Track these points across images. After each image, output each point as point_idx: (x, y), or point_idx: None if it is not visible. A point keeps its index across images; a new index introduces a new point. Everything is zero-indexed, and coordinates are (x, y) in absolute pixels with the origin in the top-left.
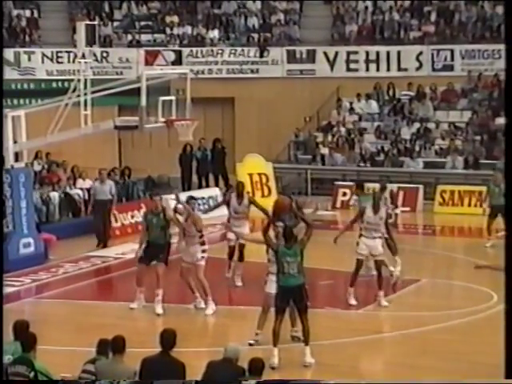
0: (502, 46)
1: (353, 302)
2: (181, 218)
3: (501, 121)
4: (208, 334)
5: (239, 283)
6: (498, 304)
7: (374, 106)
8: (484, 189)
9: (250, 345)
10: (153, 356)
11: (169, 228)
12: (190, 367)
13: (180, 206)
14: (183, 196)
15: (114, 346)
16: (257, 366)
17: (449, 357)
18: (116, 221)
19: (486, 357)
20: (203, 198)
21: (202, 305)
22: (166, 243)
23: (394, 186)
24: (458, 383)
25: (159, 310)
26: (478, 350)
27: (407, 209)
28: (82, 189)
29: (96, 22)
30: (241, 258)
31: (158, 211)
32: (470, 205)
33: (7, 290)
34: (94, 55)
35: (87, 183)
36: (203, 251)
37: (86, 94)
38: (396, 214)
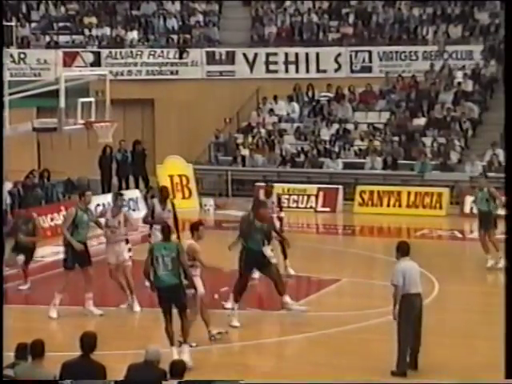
0: (418, 48)
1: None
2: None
3: (418, 121)
4: (131, 337)
5: None
6: None
7: (293, 107)
8: (403, 189)
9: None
10: (73, 359)
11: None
12: (112, 370)
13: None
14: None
15: (32, 351)
16: (178, 368)
17: (369, 356)
18: (44, 222)
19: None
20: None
21: (137, 305)
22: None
23: (314, 187)
24: (457, 383)
25: (97, 311)
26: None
27: (327, 209)
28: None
29: (13, 23)
30: None
31: (87, 207)
32: (388, 205)
33: None
34: (11, 56)
35: (8, 186)
36: (129, 250)
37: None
38: (281, 218)
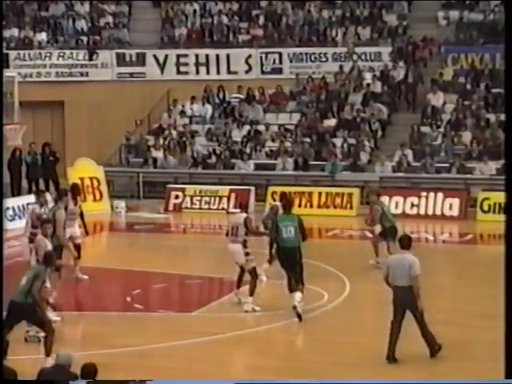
0: (328, 49)
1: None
2: None
3: (329, 122)
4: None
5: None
6: (329, 303)
7: (204, 108)
8: (314, 189)
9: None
10: None
11: None
12: (23, 375)
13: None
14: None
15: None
16: (89, 371)
17: (285, 356)
18: None
19: (320, 355)
20: (34, 203)
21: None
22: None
23: (226, 188)
24: (457, 383)
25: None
26: (313, 349)
27: (239, 211)
28: None
29: None
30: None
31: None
32: (300, 205)
33: None
34: None
35: None
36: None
37: None
38: None
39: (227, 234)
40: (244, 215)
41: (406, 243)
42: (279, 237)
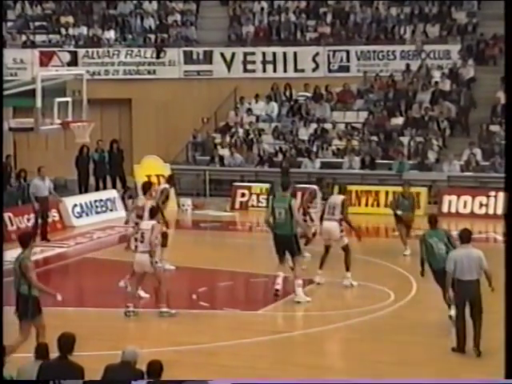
0: (396, 47)
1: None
2: None
3: (396, 121)
4: (107, 338)
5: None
6: (395, 302)
7: (271, 106)
8: (381, 188)
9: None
10: (51, 360)
11: None
12: (89, 371)
13: None
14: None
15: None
16: (155, 369)
17: (349, 356)
18: (12, 224)
19: (385, 355)
20: (101, 200)
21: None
22: None
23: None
24: (456, 383)
25: None
26: (377, 349)
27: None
28: None
29: None
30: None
31: None
32: (366, 205)
33: None
34: None
35: None
36: None
37: None
38: None
39: (323, 213)
40: (343, 196)
41: (467, 237)
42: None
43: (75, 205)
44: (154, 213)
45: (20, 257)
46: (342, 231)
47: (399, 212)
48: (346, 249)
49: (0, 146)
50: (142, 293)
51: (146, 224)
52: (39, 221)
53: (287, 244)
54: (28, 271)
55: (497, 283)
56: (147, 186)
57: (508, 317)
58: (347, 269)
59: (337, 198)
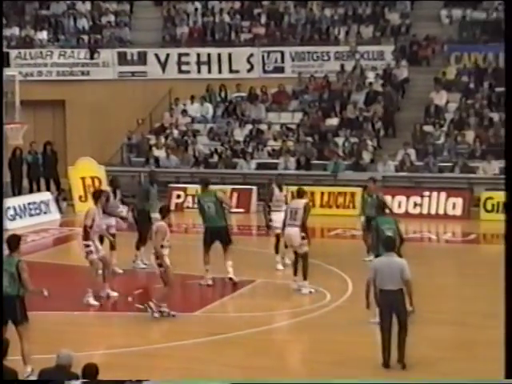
0: (330, 48)
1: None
2: None
3: (331, 122)
4: (42, 341)
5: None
6: (331, 303)
7: (206, 107)
8: (316, 189)
9: None
10: None
11: None
12: (23, 375)
13: None
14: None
15: None
16: (91, 372)
17: (285, 357)
18: None
19: (320, 355)
20: (35, 202)
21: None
22: None
23: (228, 188)
24: (457, 383)
25: None
26: (313, 348)
27: (241, 210)
28: None
29: None
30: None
31: None
32: None
33: None
34: None
35: None
36: None
37: None
38: None
39: (285, 218)
40: (304, 201)
41: (390, 245)
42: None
43: (8, 207)
44: (164, 213)
45: (14, 260)
46: (303, 238)
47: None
48: (303, 256)
49: (0, 146)
50: (111, 292)
51: (298, 203)
52: None
53: (219, 235)
54: (24, 272)
55: (434, 281)
56: (97, 195)
57: (508, 317)
58: (304, 277)
59: (298, 203)
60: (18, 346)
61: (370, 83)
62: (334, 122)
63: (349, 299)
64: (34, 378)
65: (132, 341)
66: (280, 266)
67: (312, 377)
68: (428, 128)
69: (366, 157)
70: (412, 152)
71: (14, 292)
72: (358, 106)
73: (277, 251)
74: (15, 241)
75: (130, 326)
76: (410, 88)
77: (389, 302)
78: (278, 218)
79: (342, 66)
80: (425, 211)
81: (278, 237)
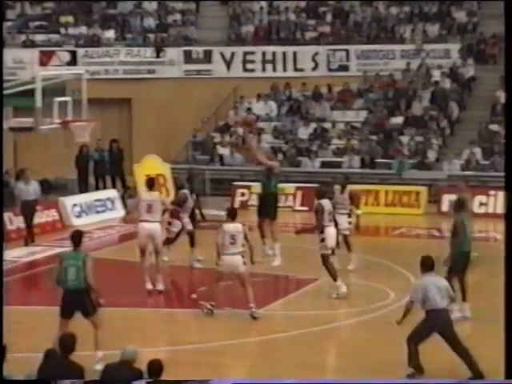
0: (395, 47)
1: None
2: None
3: (396, 120)
4: (107, 337)
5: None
6: (394, 302)
7: (271, 106)
8: (380, 188)
9: None
10: (53, 360)
11: None
12: (89, 370)
13: None
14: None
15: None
16: (155, 368)
17: (348, 355)
18: (11, 223)
19: (384, 354)
20: (101, 199)
21: None
22: None
23: (292, 186)
24: (457, 383)
25: None
26: (377, 348)
27: (305, 208)
28: None
29: None
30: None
31: None
32: (366, 204)
33: None
34: None
35: None
36: None
37: None
38: (357, 215)
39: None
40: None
41: (430, 265)
42: None
43: (75, 204)
44: (234, 215)
45: (81, 254)
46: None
47: None
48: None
49: (0, 146)
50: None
51: (234, 227)
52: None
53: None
54: (89, 267)
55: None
56: (150, 182)
57: (508, 317)
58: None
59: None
60: (86, 341)
61: (436, 82)
62: (399, 120)
63: None
64: (102, 366)
65: (195, 337)
66: (351, 266)
67: (375, 377)
68: (494, 127)
69: (431, 155)
70: (478, 151)
71: (81, 285)
72: (423, 104)
73: (349, 250)
74: (79, 236)
75: (193, 322)
76: (477, 86)
77: (439, 321)
78: (340, 220)
79: (408, 65)
80: (490, 210)
81: (345, 237)
